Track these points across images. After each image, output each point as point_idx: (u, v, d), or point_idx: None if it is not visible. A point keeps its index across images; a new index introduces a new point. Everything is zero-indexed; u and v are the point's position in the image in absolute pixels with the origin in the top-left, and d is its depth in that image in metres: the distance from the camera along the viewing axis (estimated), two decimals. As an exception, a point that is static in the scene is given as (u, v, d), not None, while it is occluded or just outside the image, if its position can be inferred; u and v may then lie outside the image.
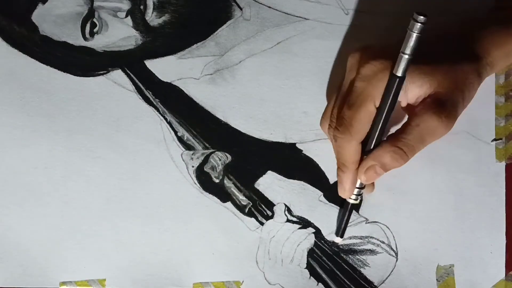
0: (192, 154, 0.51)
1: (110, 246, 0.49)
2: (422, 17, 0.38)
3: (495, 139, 0.51)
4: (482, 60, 0.45)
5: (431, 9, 0.51)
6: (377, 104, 0.43)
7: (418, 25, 0.38)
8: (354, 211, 0.50)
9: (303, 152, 0.51)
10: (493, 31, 0.46)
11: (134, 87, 0.51)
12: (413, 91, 0.43)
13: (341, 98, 0.46)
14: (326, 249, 0.50)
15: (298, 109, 0.51)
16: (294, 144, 0.51)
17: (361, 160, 0.45)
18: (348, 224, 0.49)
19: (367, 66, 0.43)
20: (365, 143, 0.45)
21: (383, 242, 0.50)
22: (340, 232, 0.49)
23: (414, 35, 0.39)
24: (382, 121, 0.43)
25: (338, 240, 0.49)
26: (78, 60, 0.52)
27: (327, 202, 0.50)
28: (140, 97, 0.51)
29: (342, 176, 0.46)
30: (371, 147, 0.44)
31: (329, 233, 0.50)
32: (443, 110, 0.43)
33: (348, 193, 0.47)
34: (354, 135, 0.44)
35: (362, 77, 0.43)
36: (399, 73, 0.40)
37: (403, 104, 0.45)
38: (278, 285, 0.49)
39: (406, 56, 0.40)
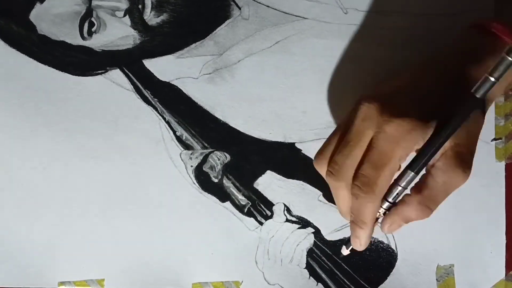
0: (191, 154, 0.51)
1: (108, 246, 0.49)
2: None
3: (494, 139, 0.51)
4: (484, 99, 0.43)
5: (431, 9, 0.52)
6: (402, 161, 0.41)
7: None
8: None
9: (302, 151, 0.51)
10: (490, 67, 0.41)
11: (132, 87, 0.51)
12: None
13: (343, 144, 0.43)
14: (326, 249, 0.49)
15: (297, 108, 0.51)
16: (293, 143, 0.51)
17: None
18: (347, 225, 0.49)
19: (393, 125, 0.40)
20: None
21: (382, 242, 0.50)
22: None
23: (509, 61, 0.36)
24: (437, 145, 0.40)
25: (345, 252, 0.48)
26: (76, 59, 0.51)
27: (326, 202, 0.50)
28: (138, 96, 0.51)
29: (359, 232, 0.43)
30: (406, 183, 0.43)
31: (328, 233, 0.50)
32: (465, 162, 0.42)
33: (364, 247, 0.45)
34: (378, 194, 0.41)
35: (388, 137, 0.40)
36: (479, 95, 0.38)
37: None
38: (278, 285, 0.49)
39: (493, 79, 0.37)
